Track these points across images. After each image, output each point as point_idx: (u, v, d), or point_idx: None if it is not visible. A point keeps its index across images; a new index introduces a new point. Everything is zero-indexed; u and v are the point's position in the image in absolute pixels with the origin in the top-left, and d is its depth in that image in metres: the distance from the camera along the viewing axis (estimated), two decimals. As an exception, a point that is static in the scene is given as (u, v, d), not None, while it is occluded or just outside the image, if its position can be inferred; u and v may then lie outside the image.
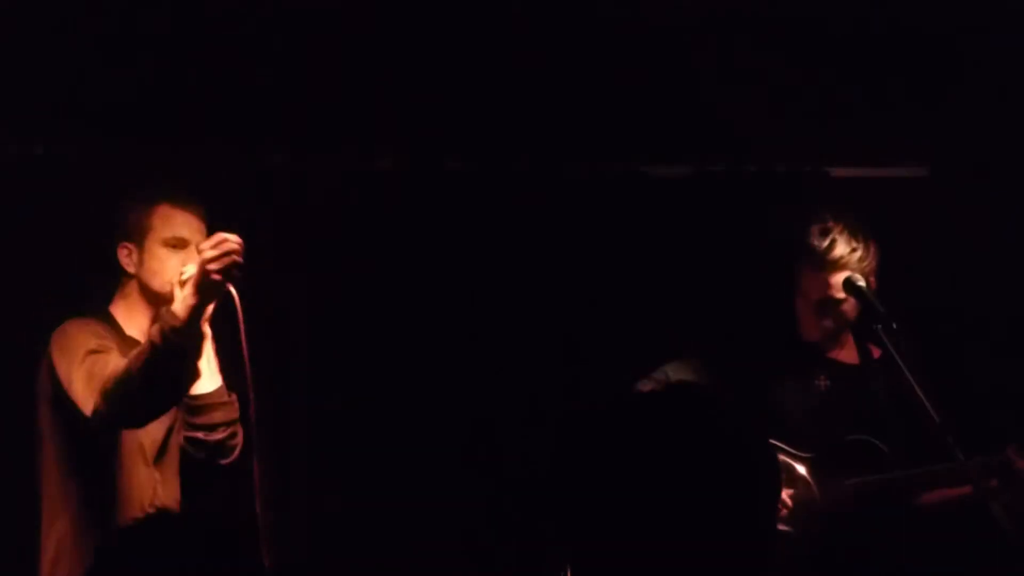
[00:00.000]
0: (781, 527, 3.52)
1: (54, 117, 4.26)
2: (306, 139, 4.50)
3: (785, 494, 3.56)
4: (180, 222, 3.47)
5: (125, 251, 3.50)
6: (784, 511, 3.56)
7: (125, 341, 3.45)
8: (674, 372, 3.76)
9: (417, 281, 4.56)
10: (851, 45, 4.49)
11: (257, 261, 3.55)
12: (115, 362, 3.25)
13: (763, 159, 4.73)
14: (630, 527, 1.60)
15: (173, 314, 3.16)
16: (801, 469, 3.64)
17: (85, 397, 3.24)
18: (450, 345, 4.56)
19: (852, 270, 3.72)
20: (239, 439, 3.48)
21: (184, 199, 3.52)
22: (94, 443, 3.37)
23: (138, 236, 3.49)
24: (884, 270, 3.87)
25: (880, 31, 4.44)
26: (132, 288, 3.52)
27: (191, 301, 3.15)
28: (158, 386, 3.19)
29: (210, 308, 3.30)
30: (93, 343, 3.35)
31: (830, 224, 3.77)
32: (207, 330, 3.39)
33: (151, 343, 3.15)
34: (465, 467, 4.51)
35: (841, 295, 3.73)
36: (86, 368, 3.27)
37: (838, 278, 3.73)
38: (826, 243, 3.74)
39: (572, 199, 4.66)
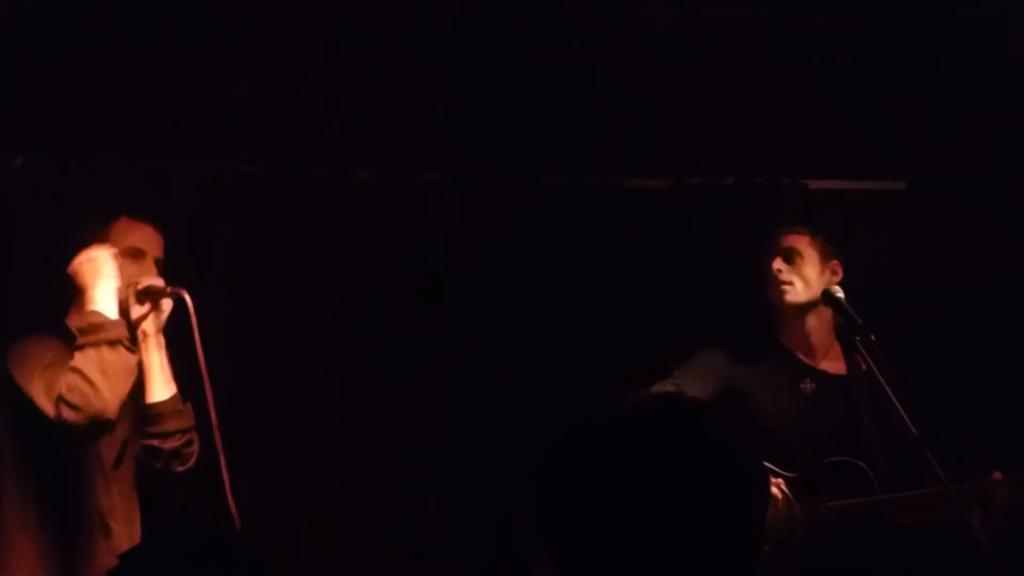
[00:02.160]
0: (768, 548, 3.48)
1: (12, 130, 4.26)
2: (278, 149, 4.48)
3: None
4: (138, 235, 3.54)
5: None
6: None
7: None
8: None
9: (390, 291, 4.55)
10: (831, 58, 4.50)
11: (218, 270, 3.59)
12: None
13: (742, 171, 4.73)
14: (617, 539, 1.59)
15: (96, 312, 3.32)
16: (784, 487, 3.62)
17: (47, 405, 3.30)
18: (420, 357, 4.55)
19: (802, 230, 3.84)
20: (195, 446, 3.53)
21: (143, 213, 3.59)
22: (54, 458, 3.39)
23: (97, 247, 3.51)
24: (861, 283, 3.88)
25: (860, 45, 4.46)
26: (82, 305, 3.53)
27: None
28: (108, 380, 3.28)
29: (163, 316, 3.47)
30: (49, 357, 3.39)
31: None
32: (160, 339, 3.49)
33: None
34: (441, 475, 4.50)
35: (789, 246, 3.82)
36: (45, 380, 3.33)
37: (786, 238, 3.85)
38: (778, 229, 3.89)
39: (550, 211, 4.65)
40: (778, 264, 3.81)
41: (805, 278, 3.81)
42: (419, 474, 4.49)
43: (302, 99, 4.39)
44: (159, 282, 3.49)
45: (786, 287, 3.80)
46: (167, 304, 3.49)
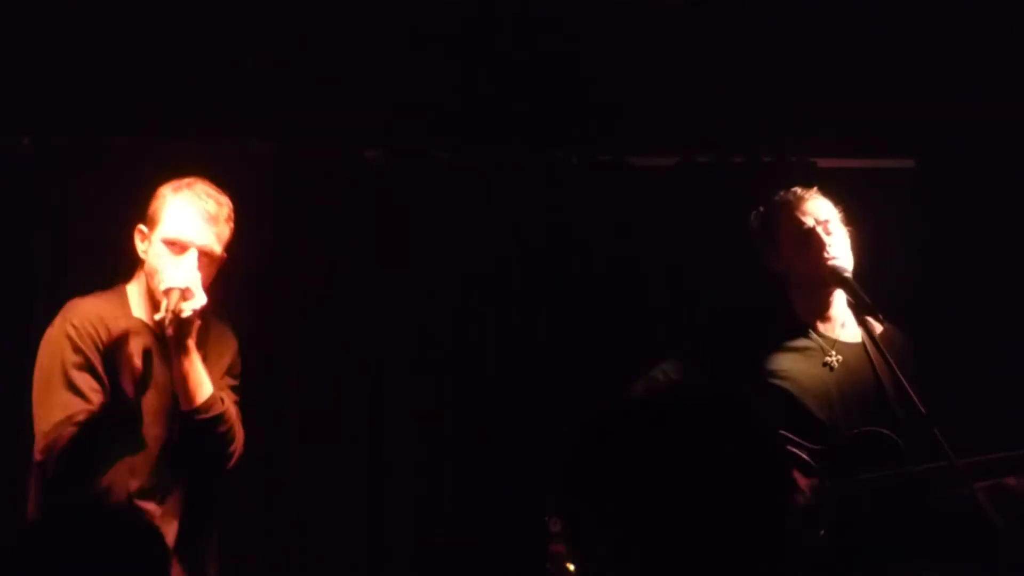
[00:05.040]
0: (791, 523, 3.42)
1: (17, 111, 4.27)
2: (293, 129, 4.48)
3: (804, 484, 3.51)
4: (183, 223, 3.43)
5: (140, 235, 3.50)
6: (800, 500, 3.48)
7: (130, 320, 3.45)
8: (673, 371, 3.70)
9: (403, 270, 4.55)
10: (839, 36, 4.49)
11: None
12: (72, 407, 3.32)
13: (749, 149, 4.73)
14: (643, 527, 1.61)
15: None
16: (813, 463, 3.54)
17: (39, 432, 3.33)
18: (436, 332, 4.56)
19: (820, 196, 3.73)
20: (238, 443, 3.47)
21: (201, 195, 3.48)
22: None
23: (150, 224, 3.48)
24: (870, 261, 3.86)
25: (869, 22, 4.45)
26: (142, 272, 3.51)
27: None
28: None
29: (190, 316, 3.35)
30: (76, 359, 3.36)
31: None
32: (190, 342, 3.38)
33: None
34: (453, 462, 4.51)
35: (824, 216, 3.69)
36: (45, 409, 3.34)
37: (814, 204, 3.72)
38: (788, 191, 3.79)
39: (560, 188, 4.65)
40: (825, 234, 3.68)
41: (845, 250, 3.70)
42: (423, 470, 4.51)
43: (313, 77, 4.39)
44: (182, 282, 3.36)
45: (835, 260, 3.66)
46: (191, 306, 3.35)
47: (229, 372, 3.59)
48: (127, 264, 3.57)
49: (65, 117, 4.30)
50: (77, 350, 3.37)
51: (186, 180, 3.51)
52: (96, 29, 4.23)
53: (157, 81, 4.29)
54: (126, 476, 3.39)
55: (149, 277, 3.46)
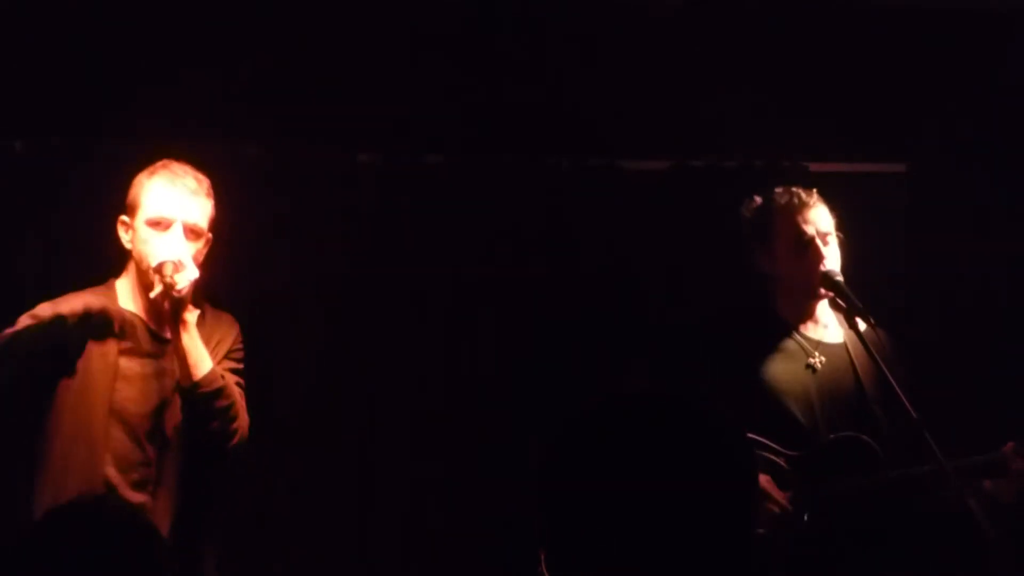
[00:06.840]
0: (764, 530, 3.43)
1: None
2: (286, 132, 4.48)
3: (779, 496, 3.50)
4: (164, 200, 3.41)
5: (123, 226, 3.48)
6: (775, 510, 3.48)
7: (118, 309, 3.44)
8: (650, 374, 3.71)
9: (395, 274, 4.56)
10: (832, 40, 4.51)
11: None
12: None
13: (742, 153, 4.73)
14: (609, 527, 1.64)
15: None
16: (789, 470, 3.54)
17: None
18: (429, 336, 4.56)
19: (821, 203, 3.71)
20: (240, 421, 3.46)
21: (175, 171, 3.46)
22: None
23: (130, 212, 3.46)
24: (862, 265, 3.87)
25: (863, 26, 4.47)
26: (131, 265, 3.50)
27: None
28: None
29: (184, 292, 3.34)
30: (46, 310, 3.36)
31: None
32: (188, 318, 3.38)
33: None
34: (444, 464, 4.52)
35: (824, 228, 3.67)
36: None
37: (816, 213, 3.69)
38: (789, 192, 3.74)
39: (551, 192, 4.66)
40: (823, 246, 3.66)
41: (836, 255, 3.69)
42: (412, 474, 4.51)
43: (307, 80, 4.40)
44: (173, 255, 3.33)
45: (826, 267, 3.65)
46: (185, 278, 3.33)
47: (229, 356, 3.56)
48: (118, 266, 3.57)
49: (57, 119, 4.30)
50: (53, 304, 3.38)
51: (160, 162, 3.49)
52: (90, 31, 4.24)
53: (152, 83, 4.29)
54: (118, 468, 3.37)
55: (138, 263, 3.43)
